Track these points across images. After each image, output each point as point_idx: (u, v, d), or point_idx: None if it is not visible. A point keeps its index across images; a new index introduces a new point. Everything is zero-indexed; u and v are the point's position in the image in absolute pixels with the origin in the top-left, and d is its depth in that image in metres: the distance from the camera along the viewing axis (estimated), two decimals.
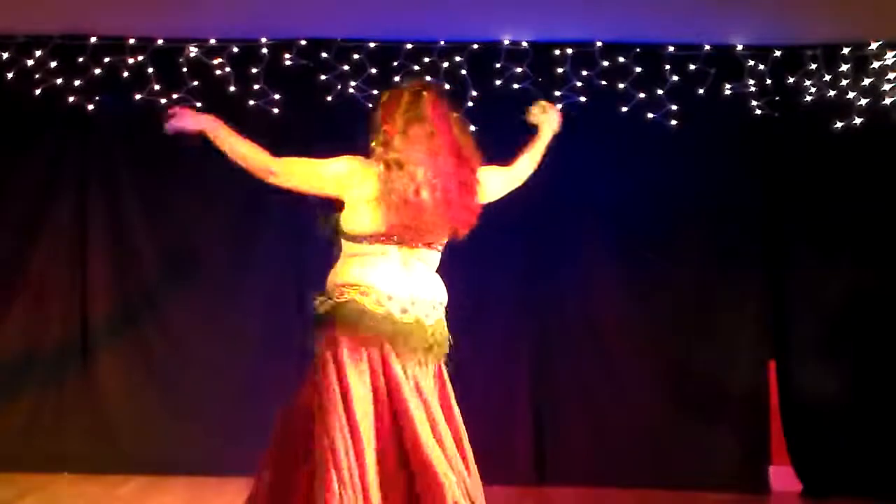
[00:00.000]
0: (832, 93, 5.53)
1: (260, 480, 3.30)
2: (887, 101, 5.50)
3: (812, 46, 5.53)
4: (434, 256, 3.30)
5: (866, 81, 5.50)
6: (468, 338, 5.63)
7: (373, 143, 3.27)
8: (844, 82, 5.51)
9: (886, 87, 5.49)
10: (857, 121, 5.48)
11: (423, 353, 3.16)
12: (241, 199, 5.69)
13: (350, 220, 3.26)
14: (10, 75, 5.57)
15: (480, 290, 5.46)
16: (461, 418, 3.27)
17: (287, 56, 5.60)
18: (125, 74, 5.60)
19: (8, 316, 5.67)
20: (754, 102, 5.58)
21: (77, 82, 5.58)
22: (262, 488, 3.28)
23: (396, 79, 5.51)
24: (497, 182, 3.49)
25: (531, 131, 5.69)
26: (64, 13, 5.31)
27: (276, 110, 5.60)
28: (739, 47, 5.58)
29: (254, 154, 3.43)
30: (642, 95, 5.57)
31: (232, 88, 5.59)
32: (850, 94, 5.50)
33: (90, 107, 5.64)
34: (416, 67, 5.56)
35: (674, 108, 5.56)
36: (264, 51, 5.60)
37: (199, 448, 5.55)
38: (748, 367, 5.62)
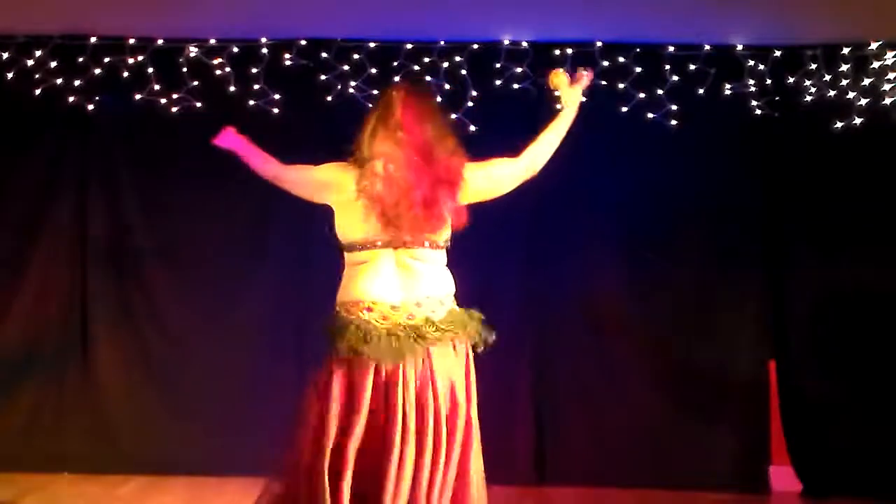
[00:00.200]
0: (832, 93, 5.52)
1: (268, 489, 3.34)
2: (887, 101, 5.49)
3: (812, 46, 5.53)
4: (431, 254, 3.30)
5: (866, 81, 5.49)
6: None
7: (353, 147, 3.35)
8: (844, 82, 5.50)
9: (886, 87, 5.49)
10: (857, 121, 5.48)
11: (410, 351, 3.21)
12: (242, 199, 5.68)
13: (340, 229, 3.34)
14: (10, 75, 5.56)
15: (480, 290, 5.42)
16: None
17: (287, 56, 5.60)
18: (125, 74, 5.60)
19: (8, 316, 5.67)
20: (754, 102, 5.58)
21: (77, 82, 5.58)
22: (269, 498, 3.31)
23: (396, 79, 5.52)
24: (487, 179, 3.42)
25: (532, 131, 5.73)
26: (64, 13, 5.30)
27: (276, 110, 5.60)
28: (739, 47, 5.58)
29: (273, 170, 3.61)
30: (642, 95, 5.57)
31: (232, 88, 5.59)
32: (850, 94, 5.50)
33: (90, 107, 5.64)
34: (416, 67, 5.57)
35: (674, 108, 5.56)
36: (264, 51, 5.60)
37: (199, 448, 5.55)
38: (748, 367, 5.62)
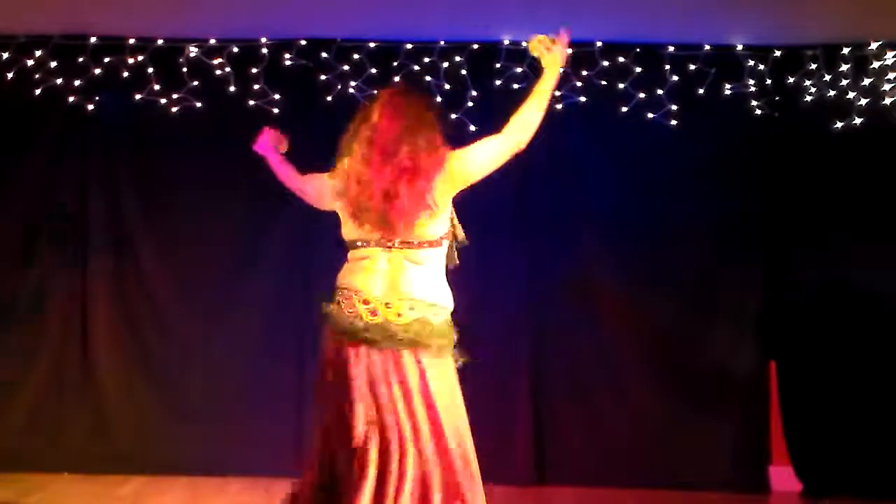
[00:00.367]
0: (832, 93, 5.53)
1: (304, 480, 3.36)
2: (887, 101, 5.50)
3: (812, 46, 5.53)
4: (423, 255, 3.29)
5: (866, 81, 5.50)
6: (467, 338, 5.66)
7: None
8: (844, 82, 5.51)
9: (886, 87, 5.49)
10: (857, 121, 5.48)
11: (395, 348, 3.22)
12: (243, 200, 5.69)
13: (342, 229, 3.39)
14: (10, 75, 5.57)
15: (480, 290, 5.46)
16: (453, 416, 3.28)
17: (287, 56, 5.60)
18: (125, 74, 5.60)
19: (8, 316, 5.66)
20: (754, 102, 5.58)
21: (77, 82, 5.58)
22: (305, 488, 3.31)
23: (396, 79, 5.52)
24: (473, 162, 3.35)
25: None
26: (64, 13, 5.30)
27: (276, 110, 5.60)
28: (739, 47, 5.58)
29: (297, 183, 3.69)
30: (642, 95, 5.58)
31: (232, 88, 5.59)
32: (850, 94, 5.50)
33: (90, 107, 5.64)
34: (416, 67, 5.57)
35: (674, 108, 5.56)
36: (264, 51, 5.60)
37: (199, 448, 5.55)
38: (748, 367, 5.62)
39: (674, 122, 5.57)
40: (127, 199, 5.71)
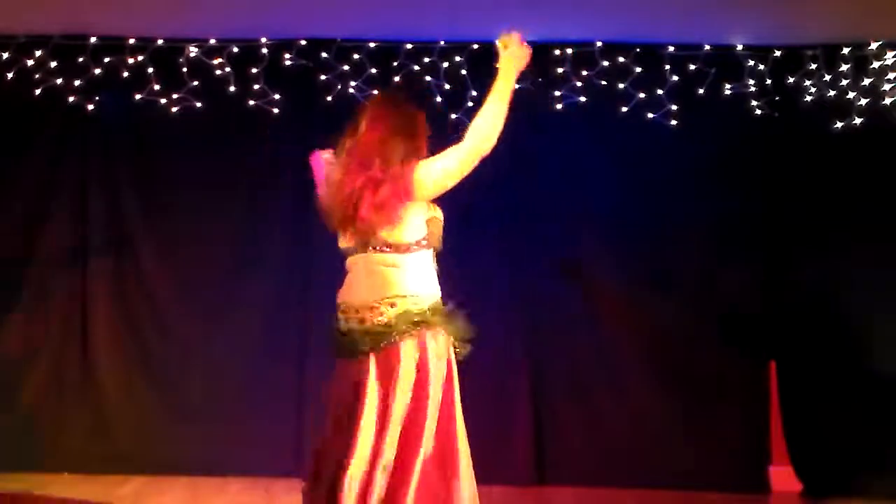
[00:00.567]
0: (832, 93, 5.53)
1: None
2: (887, 101, 5.50)
3: (812, 46, 5.53)
4: (399, 259, 3.29)
5: (866, 81, 5.50)
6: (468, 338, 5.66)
7: None
8: (844, 82, 5.51)
9: (886, 87, 5.49)
10: (857, 121, 5.48)
11: (367, 350, 3.24)
12: (243, 200, 5.69)
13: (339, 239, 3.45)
14: (10, 75, 5.57)
15: (480, 290, 5.46)
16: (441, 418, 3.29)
17: (287, 56, 5.60)
18: (125, 74, 5.60)
19: (8, 316, 5.67)
20: (754, 102, 5.58)
21: (77, 82, 5.58)
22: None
23: (396, 79, 5.52)
24: (438, 171, 3.29)
25: (531, 131, 5.75)
26: (64, 13, 5.31)
27: (276, 110, 5.60)
28: (739, 47, 5.58)
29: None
30: (642, 95, 5.58)
31: (232, 88, 5.60)
32: (850, 94, 5.50)
33: (90, 107, 5.64)
34: (416, 67, 5.57)
35: (674, 108, 5.56)
36: (264, 51, 5.60)
37: (199, 448, 5.55)
38: (748, 367, 5.62)
39: (674, 122, 5.57)
40: (127, 199, 5.71)
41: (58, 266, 5.69)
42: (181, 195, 5.70)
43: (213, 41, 5.58)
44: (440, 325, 3.29)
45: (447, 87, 5.57)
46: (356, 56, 5.58)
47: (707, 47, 5.56)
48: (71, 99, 5.61)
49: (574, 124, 5.65)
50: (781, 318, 5.60)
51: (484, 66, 5.59)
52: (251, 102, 5.60)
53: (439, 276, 3.44)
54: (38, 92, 5.57)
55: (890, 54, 5.47)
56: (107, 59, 5.59)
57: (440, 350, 3.28)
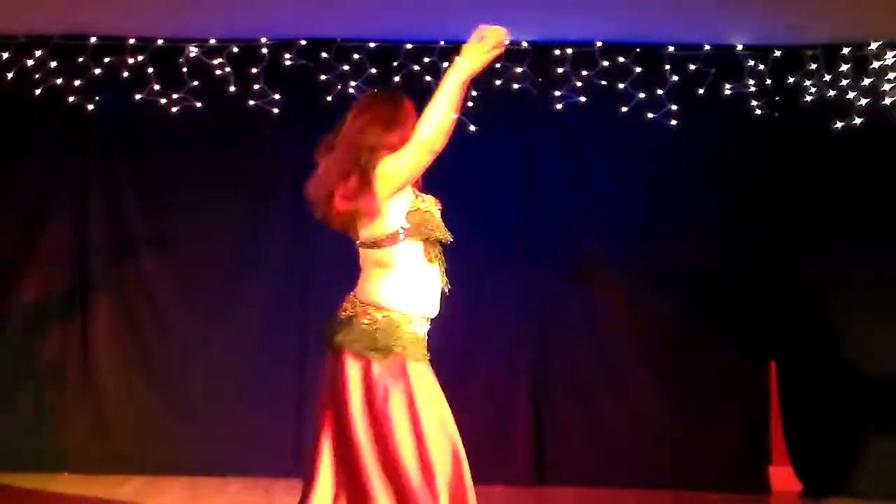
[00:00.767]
0: (832, 93, 5.53)
1: None
2: (887, 101, 5.49)
3: (812, 46, 5.53)
4: (372, 255, 3.27)
5: (866, 81, 5.50)
6: (468, 338, 5.67)
7: None
8: (844, 82, 5.51)
9: (886, 87, 5.49)
10: (857, 121, 5.48)
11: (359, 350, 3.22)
12: (243, 200, 5.69)
13: None
14: (10, 75, 5.57)
15: (480, 290, 5.46)
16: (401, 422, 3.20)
17: (287, 56, 5.60)
18: (125, 74, 5.60)
19: (8, 315, 5.66)
20: (754, 102, 5.58)
21: (77, 82, 5.58)
22: None
23: (396, 79, 5.52)
24: (394, 169, 3.21)
25: (531, 131, 5.75)
26: (64, 13, 5.30)
27: (276, 110, 5.60)
28: (739, 47, 5.58)
29: None
30: (642, 95, 5.57)
31: (232, 88, 5.59)
32: (850, 94, 5.50)
33: (90, 107, 5.64)
34: (416, 67, 5.57)
35: (674, 108, 5.56)
36: (264, 51, 5.60)
37: (199, 448, 5.55)
38: (748, 367, 5.62)
39: (674, 122, 5.57)
40: (127, 199, 5.71)
41: (58, 266, 5.69)
42: (181, 195, 5.70)
43: (213, 41, 5.58)
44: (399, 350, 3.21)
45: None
46: (356, 56, 5.58)
47: (707, 47, 5.56)
48: (71, 99, 5.61)
49: (574, 124, 5.66)
50: (781, 318, 5.60)
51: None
52: (251, 102, 5.60)
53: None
54: (38, 92, 5.57)
55: (890, 54, 5.47)
56: (107, 59, 5.58)
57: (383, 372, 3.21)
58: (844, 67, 5.50)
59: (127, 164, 5.72)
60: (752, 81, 5.57)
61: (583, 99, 5.62)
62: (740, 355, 5.61)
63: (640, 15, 5.19)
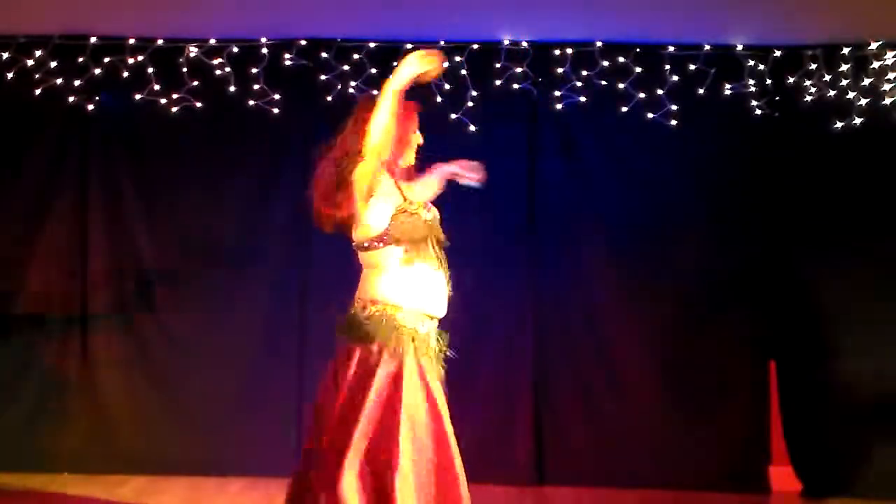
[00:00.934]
0: (832, 93, 5.53)
1: None
2: (887, 101, 5.49)
3: (812, 46, 5.53)
4: (366, 257, 3.43)
5: (866, 81, 5.50)
6: (469, 338, 5.67)
7: None
8: (844, 82, 5.51)
9: (886, 87, 5.49)
10: (857, 121, 5.48)
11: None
12: (243, 200, 5.69)
13: None
14: (10, 75, 5.57)
15: (481, 290, 5.46)
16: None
17: (287, 56, 5.60)
18: (125, 74, 5.60)
19: (8, 315, 5.66)
20: (754, 102, 5.58)
21: (77, 82, 5.58)
22: None
23: None
24: (358, 172, 3.37)
25: (531, 131, 5.76)
26: (64, 13, 5.31)
27: (276, 110, 5.60)
28: (739, 47, 5.58)
29: None
30: (642, 95, 5.57)
31: (232, 88, 5.59)
32: (850, 94, 5.50)
33: (90, 107, 5.64)
34: None
35: (674, 108, 5.56)
36: (264, 51, 5.60)
37: (199, 448, 5.55)
38: (748, 367, 5.62)
39: (674, 122, 5.57)
40: (127, 199, 5.71)
41: (58, 266, 5.69)
42: (181, 195, 5.70)
43: (213, 41, 5.58)
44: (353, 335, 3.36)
45: (447, 87, 5.57)
46: (356, 56, 5.58)
47: (707, 47, 5.56)
48: (71, 99, 5.61)
49: (574, 124, 5.66)
50: (781, 318, 5.60)
51: (484, 66, 5.62)
52: (251, 102, 5.60)
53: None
54: (38, 92, 5.57)
55: (890, 54, 5.47)
56: (107, 59, 5.58)
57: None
58: (844, 67, 5.50)
59: (127, 164, 5.72)
60: (752, 81, 5.57)
61: (583, 99, 5.62)
62: (740, 355, 5.61)
63: (640, 15, 5.19)
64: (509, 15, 5.31)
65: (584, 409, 5.65)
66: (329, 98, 5.57)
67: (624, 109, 5.59)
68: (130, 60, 5.58)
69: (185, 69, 5.57)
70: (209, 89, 5.59)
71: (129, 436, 5.62)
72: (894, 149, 5.50)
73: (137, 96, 5.60)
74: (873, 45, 5.47)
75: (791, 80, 5.55)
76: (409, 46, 5.56)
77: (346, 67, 5.57)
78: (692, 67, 5.56)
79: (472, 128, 5.50)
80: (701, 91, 5.55)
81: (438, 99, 5.52)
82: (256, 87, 5.59)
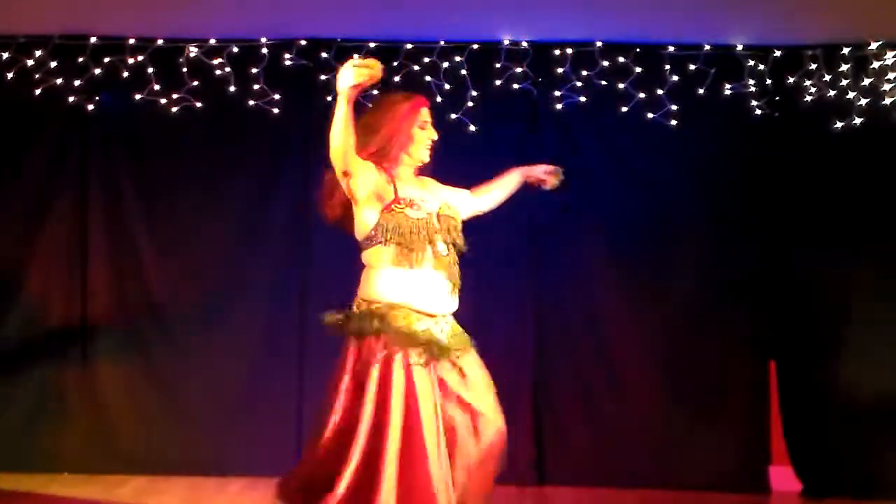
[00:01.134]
0: (832, 93, 5.53)
1: None
2: (887, 101, 5.50)
3: (812, 46, 5.53)
4: (364, 255, 3.47)
5: (866, 81, 5.50)
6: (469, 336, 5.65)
7: None
8: (844, 82, 5.51)
9: (886, 87, 5.49)
10: (857, 121, 5.48)
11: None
12: (243, 200, 5.69)
13: None
14: (10, 75, 5.57)
15: (481, 290, 5.45)
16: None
17: (287, 56, 5.60)
18: (125, 74, 5.60)
19: (8, 315, 5.66)
20: (754, 102, 5.58)
21: (77, 82, 5.58)
22: None
23: (396, 79, 5.52)
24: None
25: (531, 131, 5.75)
26: (64, 13, 5.31)
27: (276, 110, 5.60)
28: (739, 47, 5.58)
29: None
30: (642, 95, 5.58)
31: (232, 88, 5.59)
32: (850, 94, 5.50)
33: (90, 107, 5.64)
34: (416, 67, 5.57)
35: (674, 108, 5.56)
36: (264, 51, 5.60)
37: (198, 448, 5.55)
38: (748, 367, 5.62)
39: (674, 122, 5.57)
40: (127, 199, 5.70)
41: (58, 266, 5.69)
42: (181, 195, 5.69)
43: (213, 41, 5.58)
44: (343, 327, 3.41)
45: (447, 87, 5.57)
46: (356, 56, 5.57)
47: (707, 47, 5.56)
48: (71, 99, 5.61)
49: (574, 124, 5.66)
50: (781, 318, 5.60)
51: (484, 66, 5.62)
52: (251, 102, 5.60)
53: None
54: (38, 92, 5.57)
55: (890, 54, 5.47)
56: (107, 59, 5.58)
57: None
58: (844, 67, 5.50)
59: (127, 164, 5.71)
60: (752, 81, 5.57)
61: (583, 99, 5.62)
62: (740, 355, 5.61)
63: (639, 15, 5.20)
64: (509, 15, 5.31)
65: (584, 409, 5.65)
66: (329, 98, 5.56)
67: (624, 109, 5.59)
68: (130, 60, 5.58)
69: (185, 69, 5.57)
70: (209, 89, 5.59)
71: (129, 436, 5.62)
72: (894, 149, 5.50)
73: (137, 96, 5.60)
74: (873, 45, 5.47)
75: (791, 80, 5.55)
76: (409, 46, 5.58)
77: None
78: (692, 67, 5.56)
79: (472, 128, 5.50)
80: (701, 91, 5.55)
81: (438, 99, 5.52)
82: (256, 87, 5.59)
